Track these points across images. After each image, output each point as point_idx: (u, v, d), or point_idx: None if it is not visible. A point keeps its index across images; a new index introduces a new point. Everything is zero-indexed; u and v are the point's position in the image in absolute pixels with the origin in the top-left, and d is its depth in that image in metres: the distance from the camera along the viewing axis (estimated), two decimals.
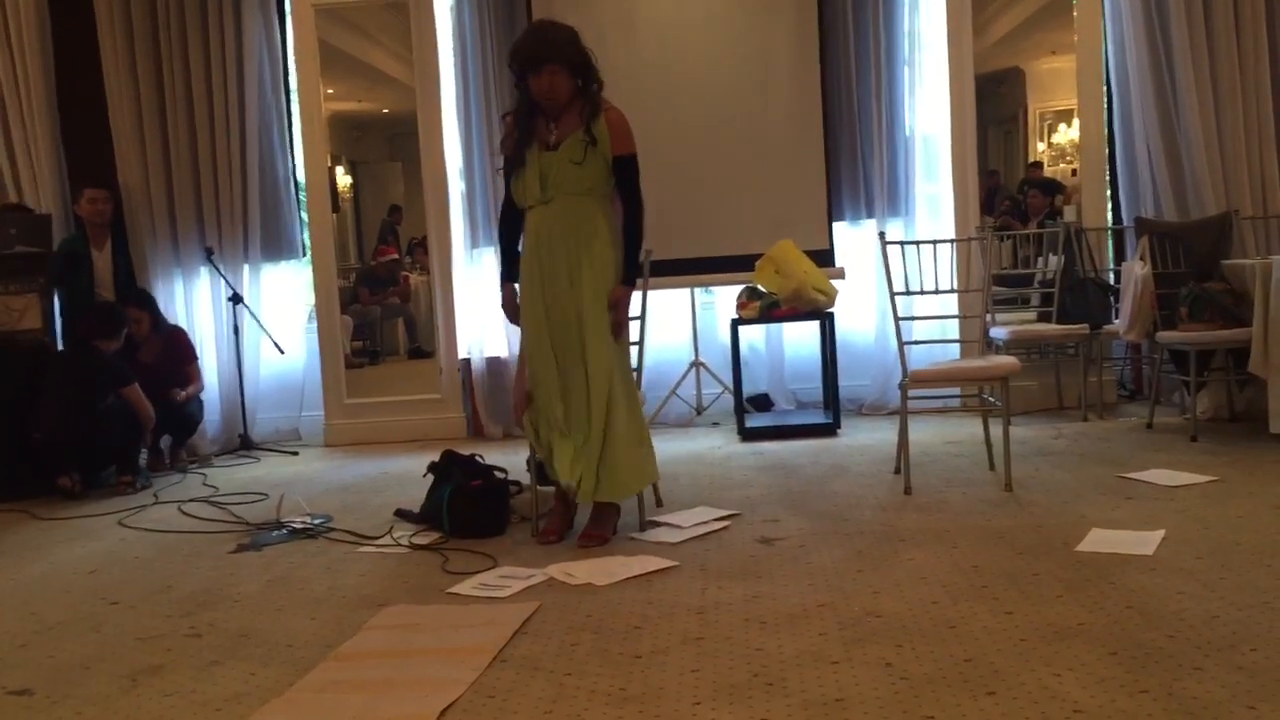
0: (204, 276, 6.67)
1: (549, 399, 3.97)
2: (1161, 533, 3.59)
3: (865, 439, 5.69)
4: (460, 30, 6.54)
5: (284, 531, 4.38)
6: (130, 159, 6.60)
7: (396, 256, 6.96)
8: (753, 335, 6.52)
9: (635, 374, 4.40)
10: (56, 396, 5.42)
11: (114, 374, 5.58)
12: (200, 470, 5.98)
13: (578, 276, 3.90)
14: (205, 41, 6.56)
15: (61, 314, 6.07)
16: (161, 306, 6.44)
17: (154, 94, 6.59)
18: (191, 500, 5.15)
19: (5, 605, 3.66)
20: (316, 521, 4.50)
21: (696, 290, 6.54)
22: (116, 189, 6.53)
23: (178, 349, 6.22)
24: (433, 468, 4.48)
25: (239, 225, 6.61)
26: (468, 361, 6.63)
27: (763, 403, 6.52)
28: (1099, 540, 3.57)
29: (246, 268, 6.65)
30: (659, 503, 4.46)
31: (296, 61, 6.51)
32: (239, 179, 6.58)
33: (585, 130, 3.88)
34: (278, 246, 6.80)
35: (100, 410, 5.45)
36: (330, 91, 6.56)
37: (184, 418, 6.13)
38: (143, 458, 5.86)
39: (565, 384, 3.94)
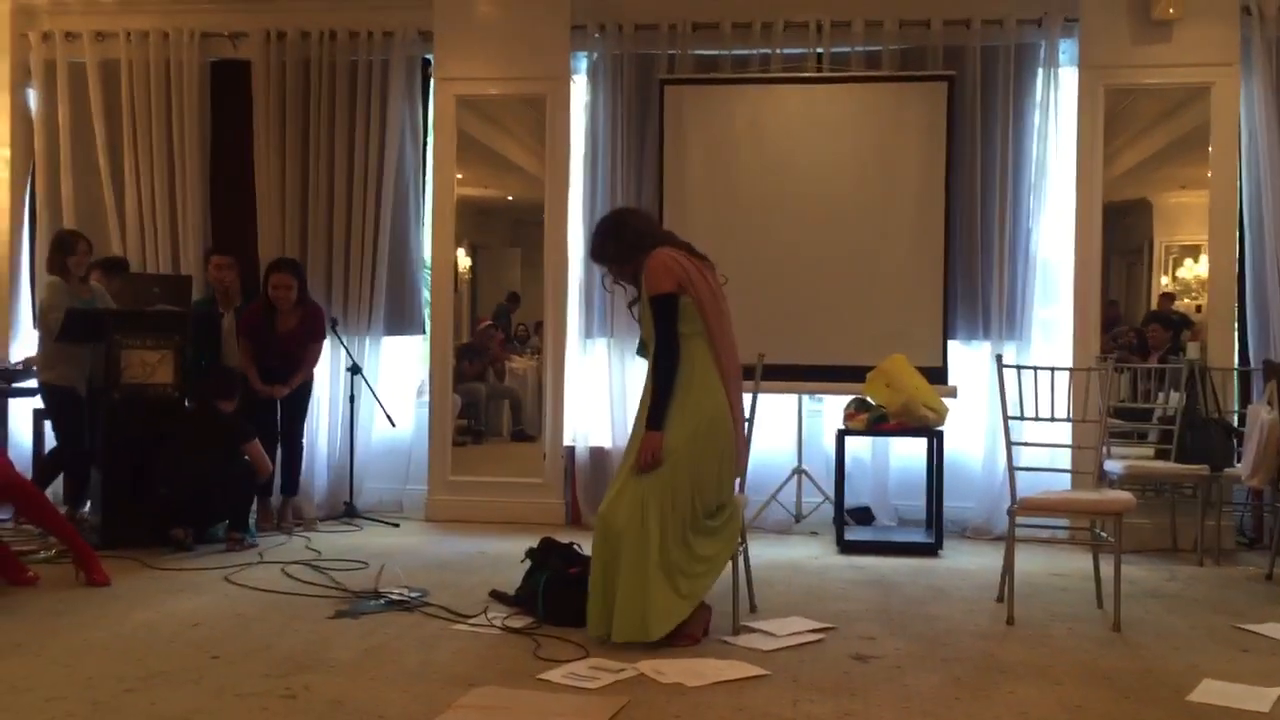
0: (326, 345, 6.87)
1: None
2: (1279, 690, 3.44)
3: (968, 563, 5.57)
4: (594, 126, 6.75)
5: (382, 602, 4.45)
6: (270, 230, 6.90)
7: (490, 323, 7.12)
8: (858, 447, 6.46)
9: (740, 481, 4.41)
10: (180, 453, 5.63)
11: (236, 432, 5.81)
12: (305, 533, 6.11)
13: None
14: (351, 123, 6.88)
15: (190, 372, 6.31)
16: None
17: (298, 170, 6.92)
18: (295, 562, 5.26)
19: (113, 649, 3.78)
20: (413, 595, 4.56)
21: (804, 397, 6.53)
22: (254, 258, 6.82)
23: (313, 324, 6.40)
24: (531, 553, 4.52)
25: (365, 298, 6.85)
26: (572, 449, 6.69)
27: (864, 516, 6.43)
28: (1211, 691, 3.43)
29: (367, 340, 6.87)
30: (753, 608, 4.42)
31: (435, 147, 6.76)
32: (370, 254, 6.84)
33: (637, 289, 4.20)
34: (400, 321, 7.01)
35: (218, 469, 5.65)
36: (460, 176, 6.79)
37: (293, 445, 6.40)
38: (252, 517, 6.01)
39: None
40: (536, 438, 6.79)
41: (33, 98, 7.12)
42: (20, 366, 6.62)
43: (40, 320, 6.17)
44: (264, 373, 6.25)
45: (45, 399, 6.14)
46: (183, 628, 4.08)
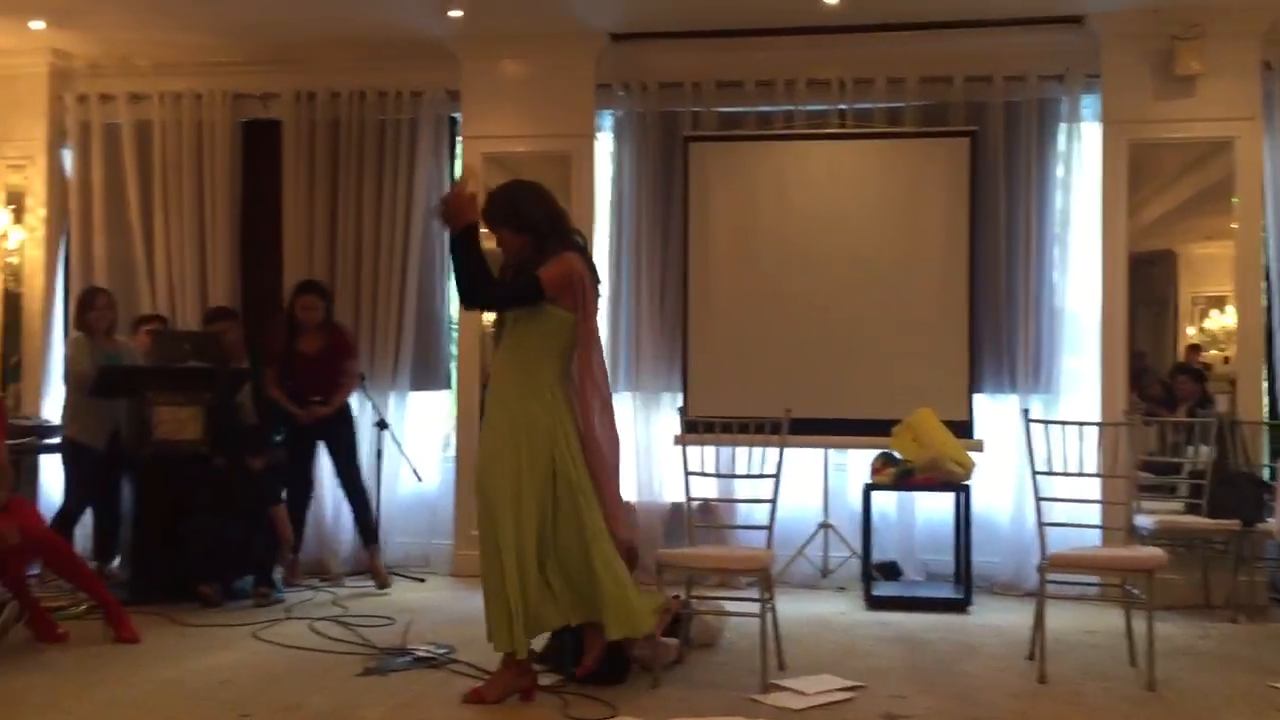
0: (352, 400, 6.89)
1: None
2: None
3: (997, 619, 5.52)
4: (619, 182, 6.81)
5: (409, 659, 4.45)
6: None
7: None
8: (884, 501, 6.41)
9: (767, 532, 4.44)
10: (209, 509, 5.66)
11: (264, 494, 5.86)
12: (331, 589, 6.11)
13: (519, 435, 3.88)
14: (379, 181, 6.96)
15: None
16: None
17: (326, 227, 6.99)
18: (322, 619, 5.26)
19: (144, 707, 3.79)
20: (440, 651, 4.55)
21: (830, 451, 6.51)
22: (281, 314, 6.87)
23: (339, 344, 6.38)
24: None
25: (391, 354, 6.89)
26: None
27: (891, 571, 6.38)
28: None
29: (393, 395, 6.90)
30: (781, 666, 4.39)
31: None
32: (396, 309, 6.89)
33: None
34: (426, 376, 7.04)
35: (246, 525, 5.67)
36: (484, 230, 6.82)
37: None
38: (278, 571, 6.02)
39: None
40: None
41: (68, 158, 7.24)
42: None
43: (65, 376, 6.26)
44: (296, 401, 6.25)
45: (63, 453, 6.20)
46: (212, 685, 4.09)
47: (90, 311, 6.14)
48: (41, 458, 6.71)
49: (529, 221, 3.93)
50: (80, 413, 6.06)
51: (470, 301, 4.01)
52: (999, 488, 6.41)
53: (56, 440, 6.35)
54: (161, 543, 5.69)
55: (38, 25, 6.55)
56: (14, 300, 7.18)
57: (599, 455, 4.00)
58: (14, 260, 7.12)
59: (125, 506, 6.09)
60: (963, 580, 5.89)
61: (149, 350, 6.26)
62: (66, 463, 6.20)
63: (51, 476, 6.78)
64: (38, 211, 7.14)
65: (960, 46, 6.52)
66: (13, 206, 7.07)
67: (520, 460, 3.88)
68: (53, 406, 6.91)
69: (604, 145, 6.90)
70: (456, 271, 3.94)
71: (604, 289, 6.67)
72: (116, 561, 6.21)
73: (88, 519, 6.28)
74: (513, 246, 3.97)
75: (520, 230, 3.94)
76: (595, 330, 4.09)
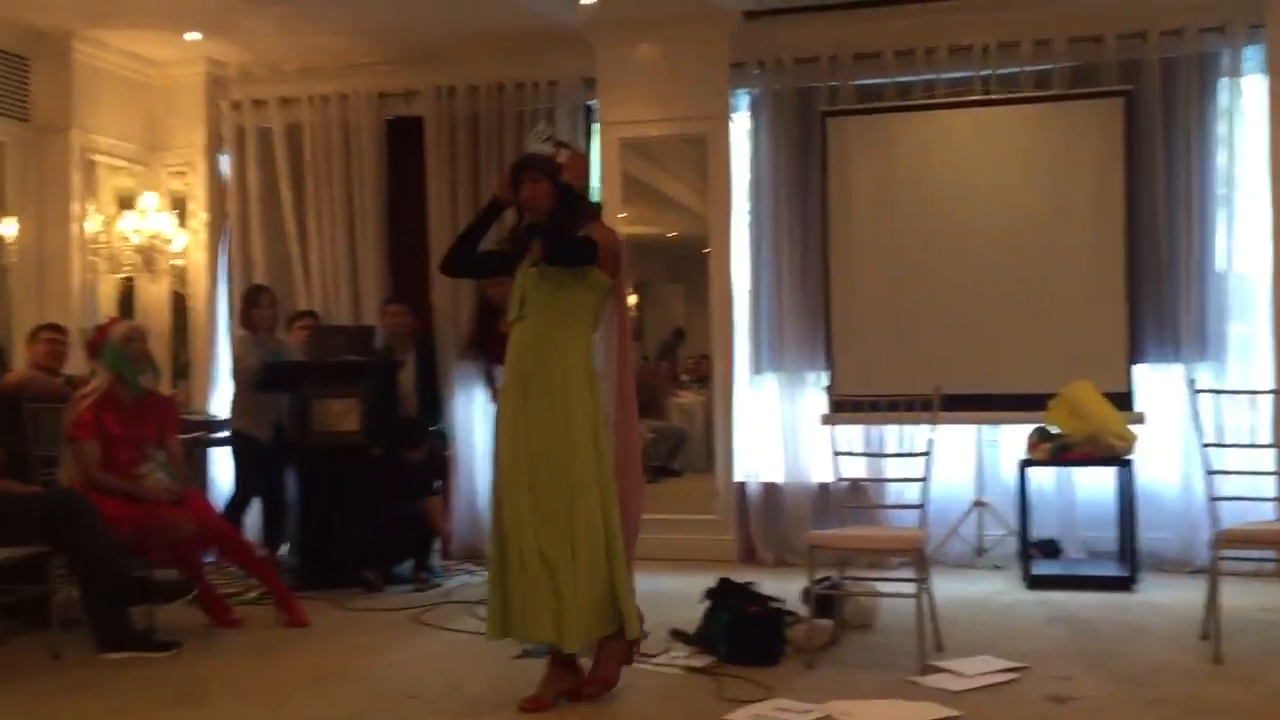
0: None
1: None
2: None
3: (1165, 598, 5.30)
4: (756, 161, 6.74)
5: None
6: (443, 278, 7.08)
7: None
8: (1041, 477, 6.22)
9: (920, 511, 4.36)
10: (369, 498, 5.84)
11: (422, 484, 6.03)
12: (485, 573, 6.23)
13: (544, 405, 3.78)
14: None
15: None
16: (460, 415, 6.86)
17: (469, 218, 7.09)
18: (479, 602, 5.35)
19: (315, 689, 3.94)
20: None
21: (982, 428, 6.34)
22: (429, 306, 7.04)
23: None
24: (710, 593, 4.52)
25: None
26: (743, 485, 6.67)
27: (1050, 549, 6.18)
28: None
29: None
30: (939, 647, 4.31)
31: (602, 189, 6.86)
32: None
33: None
34: None
35: (405, 511, 5.85)
36: (623, 215, 6.87)
37: None
38: (435, 557, 6.18)
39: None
40: (703, 473, 6.79)
41: (225, 163, 7.54)
42: None
43: (234, 372, 6.53)
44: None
45: (233, 445, 6.49)
46: (379, 668, 4.23)
47: (255, 309, 6.41)
48: (211, 451, 7.04)
49: (583, 203, 4.01)
50: (247, 407, 6.33)
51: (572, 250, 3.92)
52: (1164, 461, 6.14)
53: (225, 434, 6.64)
54: (324, 530, 5.90)
55: (193, 36, 6.85)
56: (180, 302, 7.53)
57: (635, 475, 3.99)
58: (180, 263, 7.45)
59: (290, 496, 6.33)
60: (1127, 557, 5.68)
61: (305, 345, 6.50)
62: (236, 455, 6.50)
63: (221, 469, 7.10)
64: (199, 215, 7.47)
65: (1111, 2, 6.26)
66: (176, 211, 7.40)
67: (553, 441, 3.78)
68: (220, 402, 7.23)
69: (740, 125, 6.84)
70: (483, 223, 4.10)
71: (744, 269, 6.75)
72: (284, 549, 6.47)
73: (257, 508, 6.56)
74: (544, 198, 3.89)
75: (576, 195, 3.96)
76: (628, 313, 4.06)
